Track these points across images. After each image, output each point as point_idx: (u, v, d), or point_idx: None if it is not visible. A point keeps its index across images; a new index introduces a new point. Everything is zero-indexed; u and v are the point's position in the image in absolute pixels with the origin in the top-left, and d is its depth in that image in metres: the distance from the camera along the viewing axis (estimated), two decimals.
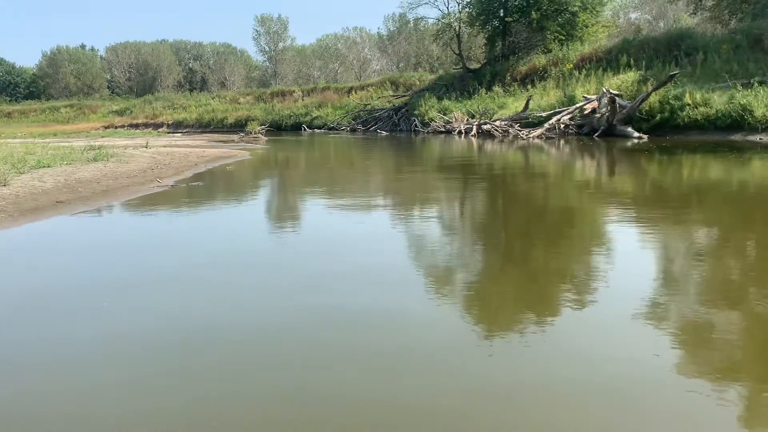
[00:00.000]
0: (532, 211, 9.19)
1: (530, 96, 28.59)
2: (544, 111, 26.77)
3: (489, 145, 23.15)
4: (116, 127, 51.38)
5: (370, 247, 6.71)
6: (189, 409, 3.15)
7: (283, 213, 9.80)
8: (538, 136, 24.65)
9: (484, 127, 28.74)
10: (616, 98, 22.55)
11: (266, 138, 33.71)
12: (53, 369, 3.64)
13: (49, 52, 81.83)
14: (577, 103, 25.85)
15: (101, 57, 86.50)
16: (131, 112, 58.60)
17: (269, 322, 4.37)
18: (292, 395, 3.26)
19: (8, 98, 79.41)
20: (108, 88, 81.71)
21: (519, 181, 12.96)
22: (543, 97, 29.04)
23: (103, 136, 36.86)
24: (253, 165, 18.30)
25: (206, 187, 12.56)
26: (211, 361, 3.72)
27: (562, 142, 22.64)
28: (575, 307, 4.63)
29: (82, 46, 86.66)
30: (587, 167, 15.42)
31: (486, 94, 34.30)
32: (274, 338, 4.07)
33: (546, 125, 25.17)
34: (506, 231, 7.86)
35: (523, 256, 6.47)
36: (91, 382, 3.46)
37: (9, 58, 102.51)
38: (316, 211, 9.72)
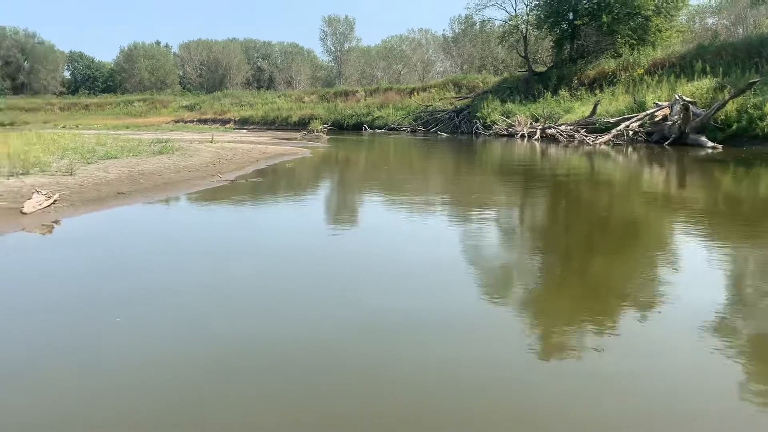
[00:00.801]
0: (596, 220, 8.81)
1: (598, 101, 27.74)
2: (612, 117, 25.90)
3: (553, 150, 22.56)
4: (186, 122, 52.93)
5: (424, 251, 6.53)
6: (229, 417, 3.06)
7: (339, 213, 9.72)
8: (605, 143, 23.86)
9: (549, 131, 28.08)
10: (690, 106, 21.57)
11: (328, 136, 33.97)
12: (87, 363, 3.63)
13: (126, 48, 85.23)
14: (648, 109, 24.88)
15: (174, 53, 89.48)
16: (200, 107, 60.25)
17: (318, 331, 4.22)
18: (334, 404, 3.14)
19: (87, 91, 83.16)
20: (180, 83, 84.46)
21: (583, 189, 12.50)
22: (611, 103, 28.12)
23: (172, 130, 38.02)
24: (312, 163, 18.40)
25: (265, 184, 12.66)
26: (251, 372, 3.63)
27: (630, 149, 21.83)
28: (637, 323, 4.35)
29: (157, 43, 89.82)
30: (656, 177, 14.76)
31: (552, 97, 33.53)
32: (324, 350, 3.94)
33: (614, 131, 24.34)
34: (567, 240, 7.53)
35: (583, 267, 6.16)
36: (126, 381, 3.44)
37: (89, 53, 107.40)
38: (372, 212, 9.62)
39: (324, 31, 74.07)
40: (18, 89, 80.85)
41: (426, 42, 74.23)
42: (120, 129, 41.57)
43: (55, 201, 8.37)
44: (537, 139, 27.86)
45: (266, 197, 10.89)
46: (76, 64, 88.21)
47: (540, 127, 28.81)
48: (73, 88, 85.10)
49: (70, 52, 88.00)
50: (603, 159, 18.98)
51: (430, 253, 6.39)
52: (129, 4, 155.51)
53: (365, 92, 52.15)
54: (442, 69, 71.23)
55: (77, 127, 46.61)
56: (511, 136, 30.82)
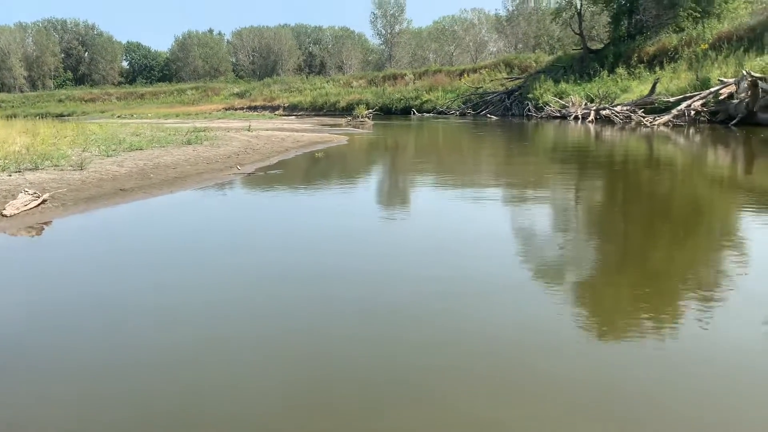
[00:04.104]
0: (655, 208, 7.92)
1: (657, 78, 25.87)
2: (672, 95, 24.05)
3: (608, 133, 21.07)
4: (235, 109, 52.99)
5: (476, 242, 5.66)
6: None
7: (347, 211, 8.72)
8: (664, 124, 22.15)
9: (603, 112, 26.42)
10: (759, 82, 19.62)
11: (373, 122, 33.05)
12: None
13: (180, 37, 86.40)
14: (712, 87, 22.94)
15: (227, 41, 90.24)
16: (250, 94, 60.37)
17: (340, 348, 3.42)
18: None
19: (144, 80, 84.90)
20: (233, 71, 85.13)
21: (640, 175, 11.29)
22: (672, 81, 26.17)
23: (219, 118, 37.90)
24: (344, 152, 17.55)
25: (283, 176, 11.85)
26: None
27: (692, 130, 20.12)
28: (700, 312, 3.97)
29: (210, 31, 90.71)
30: (720, 160, 13.32)
31: (608, 76, 31.67)
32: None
33: (674, 111, 22.56)
34: (624, 228, 6.81)
35: (641, 255, 5.52)
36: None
37: (145, 42, 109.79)
38: (385, 211, 8.70)
39: (374, 14, 73.01)
40: (79, 80, 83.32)
41: (479, 22, 72.27)
42: (170, 117, 41.83)
43: (44, 201, 7.81)
44: (591, 121, 26.27)
45: (276, 192, 10.03)
46: (133, 54, 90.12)
47: (594, 108, 27.16)
48: (130, 77, 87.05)
49: (128, 42, 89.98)
50: (662, 142, 17.46)
51: (483, 241, 5.55)
52: None
53: (414, 75, 50.99)
54: (495, 49, 69.20)
55: (132, 116, 47.33)
56: (564, 118, 29.28)
